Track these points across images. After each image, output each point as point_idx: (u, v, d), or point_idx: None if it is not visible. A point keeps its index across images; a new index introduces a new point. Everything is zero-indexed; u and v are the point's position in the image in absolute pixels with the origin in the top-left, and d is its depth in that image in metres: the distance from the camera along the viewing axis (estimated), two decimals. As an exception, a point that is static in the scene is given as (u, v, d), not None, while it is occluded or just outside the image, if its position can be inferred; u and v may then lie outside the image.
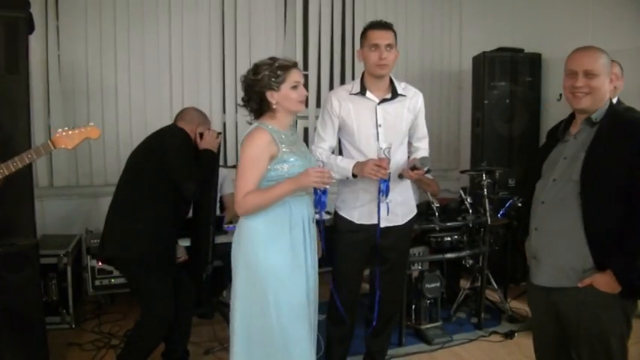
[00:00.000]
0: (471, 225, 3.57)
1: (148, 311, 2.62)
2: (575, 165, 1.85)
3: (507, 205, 3.79)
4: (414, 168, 2.38)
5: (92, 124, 2.31)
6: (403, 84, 2.59)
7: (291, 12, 4.55)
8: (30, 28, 2.64)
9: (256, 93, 2.13)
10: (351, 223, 2.55)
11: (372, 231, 2.49)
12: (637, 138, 1.79)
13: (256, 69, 2.13)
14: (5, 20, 2.50)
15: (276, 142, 2.08)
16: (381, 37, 2.41)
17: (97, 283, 3.65)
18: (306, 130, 4.66)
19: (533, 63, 4.48)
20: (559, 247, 1.89)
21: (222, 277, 3.62)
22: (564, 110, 2.27)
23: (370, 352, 2.84)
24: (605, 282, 1.79)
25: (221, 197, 3.82)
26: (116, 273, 3.56)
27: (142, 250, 2.56)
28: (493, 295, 3.84)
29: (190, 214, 3.19)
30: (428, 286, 3.38)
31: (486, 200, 3.54)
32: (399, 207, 2.57)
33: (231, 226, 3.49)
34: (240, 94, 2.23)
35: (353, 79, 4.59)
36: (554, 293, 1.93)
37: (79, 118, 3.90)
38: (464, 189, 3.87)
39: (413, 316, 3.46)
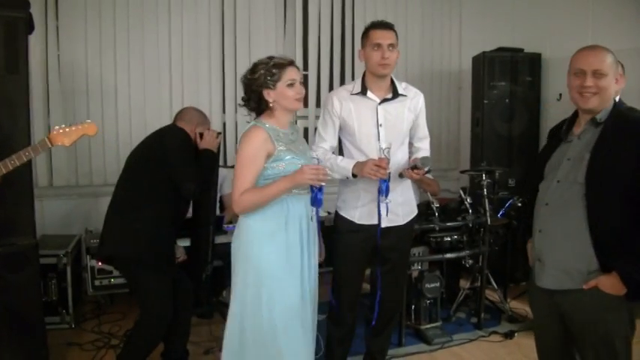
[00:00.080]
0: (470, 225, 3.57)
1: (147, 311, 2.62)
2: (580, 166, 1.83)
3: (507, 205, 3.79)
4: (414, 168, 2.38)
5: (89, 120, 2.31)
6: (404, 84, 2.59)
7: (291, 12, 4.55)
8: (30, 28, 2.63)
9: (254, 92, 2.15)
10: (351, 223, 2.55)
11: (373, 231, 2.49)
12: None
13: (254, 68, 2.15)
14: (5, 20, 2.50)
15: (272, 140, 2.09)
16: (383, 37, 2.42)
17: (97, 283, 3.64)
18: (306, 130, 4.66)
19: (533, 63, 4.48)
20: (564, 249, 1.87)
21: (222, 277, 3.62)
22: (564, 110, 2.27)
23: (370, 352, 2.84)
24: (611, 284, 1.78)
25: (221, 197, 3.82)
26: (116, 273, 3.56)
27: (141, 250, 2.56)
28: (493, 295, 3.84)
29: (190, 214, 3.19)
30: (428, 286, 3.37)
31: (486, 200, 3.54)
32: (400, 207, 2.57)
33: (230, 226, 3.49)
34: (240, 93, 2.25)
35: (353, 79, 4.58)
36: (557, 295, 1.92)
37: (79, 118, 3.87)
38: (464, 189, 3.87)
39: (413, 316, 3.46)
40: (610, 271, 1.78)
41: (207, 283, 3.46)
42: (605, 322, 1.83)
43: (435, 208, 3.50)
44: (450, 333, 3.42)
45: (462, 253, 3.54)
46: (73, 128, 2.25)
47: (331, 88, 4.60)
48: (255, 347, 2.12)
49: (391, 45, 2.42)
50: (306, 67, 4.58)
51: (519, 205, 3.75)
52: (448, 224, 3.52)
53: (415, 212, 2.70)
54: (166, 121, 2.97)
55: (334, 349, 2.72)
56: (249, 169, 2.07)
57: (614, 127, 1.83)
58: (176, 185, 2.57)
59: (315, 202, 2.13)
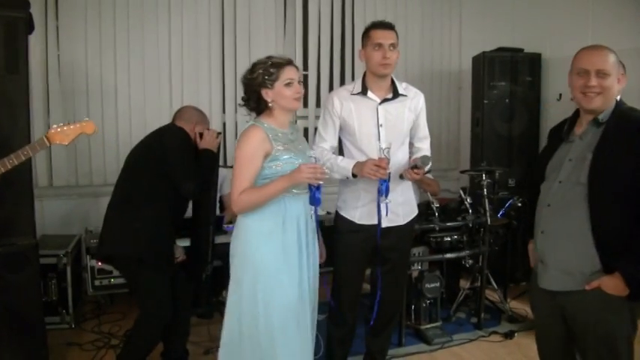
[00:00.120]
0: (470, 225, 3.57)
1: (146, 310, 2.62)
2: (582, 167, 1.82)
3: (507, 205, 3.79)
4: (414, 167, 2.38)
5: (87, 119, 2.31)
6: (404, 84, 2.59)
7: (291, 12, 4.55)
8: (30, 28, 2.63)
9: (253, 92, 2.15)
10: (351, 223, 2.55)
11: (373, 231, 2.49)
12: None
13: (252, 68, 2.16)
14: (5, 20, 2.50)
15: (270, 139, 2.10)
16: (384, 37, 2.42)
17: (97, 283, 3.64)
18: (305, 130, 4.66)
19: (533, 63, 4.48)
20: (566, 250, 1.87)
21: (222, 277, 3.61)
22: (564, 110, 2.27)
23: (370, 352, 2.84)
24: (613, 285, 1.77)
25: (221, 197, 3.82)
26: (116, 273, 3.56)
27: (141, 249, 2.56)
28: (493, 295, 3.83)
29: (190, 213, 3.19)
30: (428, 286, 3.38)
31: (486, 200, 3.54)
32: (401, 207, 2.57)
33: (230, 225, 3.49)
34: (240, 93, 2.25)
35: (353, 79, 4.59)
36: (560, 296, 1.91)
37: (79, 118, 3.82)
38: (464, 189, 3.87)
39: (413, 316, 3.46)
40: (612, 272, 1.78)
41: (207, 283, 3.45)
42: (607, 323, 1.82)
43: (435, 208, 3.50)
44: (450, 333, 3.42)
45: (462, 253, 3.54)
46: (71, 127, 2.25)
47: (331, 88, 4.60)
48: (252, 346, 2.13)
49: (392, 45, 2.43)
50: (306, 67, 4.58)
51: (519, 205, 3.75)
52: (448, 224, 3.52)
53: (415, 212, 2.70)
54: (166, 121, 2.96)
55: (334, 349, 2.73)
56: (248, 169, 2.08)
57: (617, 127, 1.82)
58: (175, 185, 2.57)
59: (314, 200, 2.13)
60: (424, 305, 3.44)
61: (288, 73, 2.12)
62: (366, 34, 2.49)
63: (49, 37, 3.87)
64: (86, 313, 3.75)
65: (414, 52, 4.91)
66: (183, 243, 3.15)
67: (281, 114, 2.17)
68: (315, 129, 2.73)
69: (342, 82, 4.66)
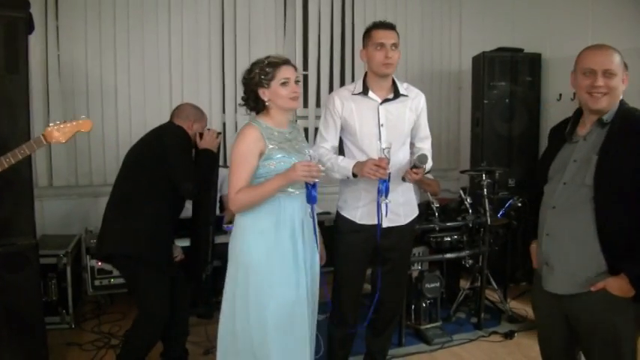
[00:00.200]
0: (470, 225, 3.57)
1: (145, 310, 2.62)
2: (587, 168, 1.81)
3: (507, 205, 3.79)
4: (414, 167, 2.38)
5: (84, 117, 2.31)
6: (405, 84, 2.59)
7: (291, 12, 4.55)
8: (30, 28, 2.63)
9: (251, 91, 2.17)
10: (352, 223, 2.55)
11: (374, 231, 2.48)
12: None
13: (250, 67, 2.17)
14: (5, 20, 2.50)
15: (264, 138, 2.10)
16: (386, 37, 2.42)
17: (97, 283, 3.64)
18: (305, 130, 4.65)
19: (533, 63, 4.48)
20: (572, 253, 1.85)
21: (222, 277, 3.60)
22: (564, 110, 2.28)
23: (371, 352, 2.84)
24: (619, 286, 1.76)
25: (221, 197, 3.82)
26: (116, 273, 3.56)
27: (140, 249, 2.56)
28: (493, 295, 3.83)
29: (190, 213, 3.19)
30: (428, 286, 3.38)
31: (486, 200, 3.54)
32: (402, 207, 2.57)
33: (230, 225, 3.48)
34: (240, 93, 2.26)
35: (353, 79, 4.59)
36: (565, 299, 1.90)
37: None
38: (464, 189, 3.87)
39: (413, 316, 3.46)
40: (618, 273, 1.76)
41: (207, 283, 3.45)
42: (612, 324, 1.81)
43: (435, 208, 3.50)
44: (450, 333, 3.42)
45: (462, 253, 3.54)
46: (68, 125, 2.25)
47: (331, 88, 4.61)
48: (245, 346, 2.14)
49: (394, 45, 2.43)
50: (306, 67, 4.58)
51: (519, 205, 3.75)
52: (448, 224, 3.52)
53: (416, 212, 2.70)
54: (166, 120, 2.96)
55: (335, 349, 2.72)
56: (244, 168, 2.09)
57: (621, 127, 1.80)
58: (174, 184, 2.57)
59: (310, 199, 2.12)
60: (424, 305, 3.44)
61: (285, 73, 2.12)
62: (367, 34, 2.49)
63: (49, 37, 3.88)
64: (86, 313, 3.75)
65: (414, 52, 4.92)
66: (183, 243, 3.15)
67: (278, 113, 2.18)
68: (315, 129, 2.74)
69: (342, 82, 4.66)
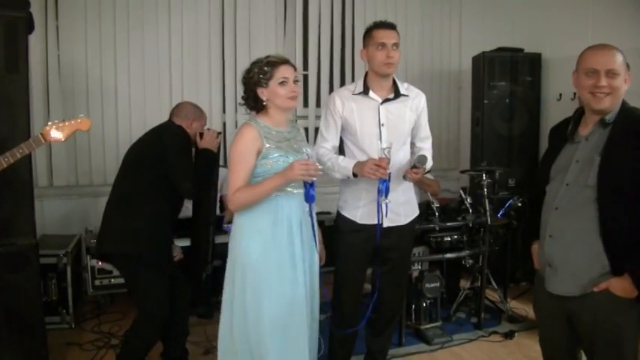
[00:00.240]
0: (470, 225, 3.57)
1: (144, 310, 2.62)
2: (590, 169, 1.79)
3: (507, 205, 3.79)
4: (414, 167, 2.38)
5: (82, 115, 2.31)
6: (405, 84, 2.59)
7: (291, 12, 4.55)
8: (30, 27, 2.63)
9: (250, 90, 2.18)
10: (353, 223, 2.55)
11: (374, 231, 2.48)
12: None
13: (250, 67, 2.18)
14: (5, 20, 2.50)
15: (261, 137, 2.11)
16: (387, 37, 2.43)
17: (97, 282, 3.64)
18: (305, 130, 4.65)
19: (533, 63, 4.48)
20: (576, 255, 1.84)
21: (222, 277, 3.61)
22: (564, 110, 2.28)
23: (371, 351, 2.84)
24: (622, 287, 1.75)
25: (221, 197, 3.82)
26: (116, 273, 3.56)
27: (140, 248, 2.57)
28: (493, 295, 3.83)
29: (190, 213, 3.19)
30: (428, 286, 3.38)
31: (486, 200, 3.54)
32: (402, 207, 2.57)
33: (230, 225, 3.48)
34: (240, 93, 2.26)
35: (353, 79, 4.59)
36: (568, 300, 1.89)
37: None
38: (464, 189, 3.87)
39: (413, 316, 3.46)
40: (621, 274, 1.76)
41: (208, 283, 3.46)
42: (614, 325, 1.80)
43: (435, 208, 3.50)
44: (450, 333, 3.42)
45: (462, 253, 3.54)
46: (67, 123, 2.25)
47: (331, 88, 4.61)
48: (242, 345, 2.14)
49: (395, 44, 2.44)
50: (306, 67, 4.58)
51: (519, 205, 3.75)
52: (448, 224, 3.52)
53: (417, 212, 2.70)
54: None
55: (336, 349, 2.72)
56: (241, 167, 2.10)
57: (624, 127, 1.79)
58: (174, 184, 2.57)
59: (308, 198, 2.12)
60: (424, 305, 3.44)
61: (283, 72, 2.13)
62: (368, 33, 2.49)
63: (49, 36, 3.87)
64: (86, 312, 3.75)
65: (414, 52, 4.91)
66: (184, 243, 3.15)
67: (276, 113, 2.18)
68: (315, 129, 2.74)
69: (342, 82, 4.66)
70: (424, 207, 3.53)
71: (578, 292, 1.84)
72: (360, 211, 2.54)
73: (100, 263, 3.56)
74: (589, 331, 1.87)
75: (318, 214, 2.57)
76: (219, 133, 2.90)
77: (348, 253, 2.57)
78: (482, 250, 3.54)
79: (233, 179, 2.09)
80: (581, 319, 1.88)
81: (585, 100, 1.86)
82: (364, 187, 2.50)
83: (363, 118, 2.50)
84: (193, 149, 2.78)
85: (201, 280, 3.37)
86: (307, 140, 2.51)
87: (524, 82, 4.46)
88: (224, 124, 4.38)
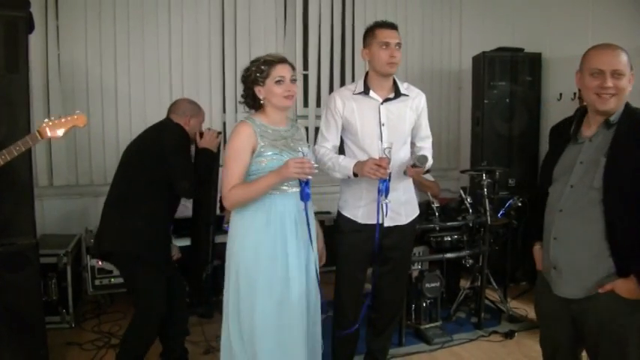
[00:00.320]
0: (471, 225, 3.56)
1: (142, 308, 2.62)
2: (595, 171, 1.78)
3: (507, 204, 3.79)
4: (414, 166, 2.38)
5: (78, 111, 2.31)
6: (406, 84, 2.59)
7: (291, 12, 4.55)
8: (30, 27, 2.63)
9: (248, 89, 2.19)
10: (354, 222, 2.54)
11: (375, 231, 2.48)
12: None
13: (248, 65, 2.20)
14: (5, 19, 2.50)
15: (256, 135, 2.11)
16: (391, 36, 2.43)
17: (97, 282, 3.65)
18: (305, 129, 4.65)
19: (533, 62, 4.48)
20: (582, 257, 1.83)
21: (222, 276, 3.61)
22: (564, 110, 2.27)
23: (371, 351, 2.84)
24: (627, 288, 1.74)
25: (221, 197, 3.82)
26: (116, 273, 3.56)
27: (139, 247, 2.56)
28: (493, 294, 3.83)
29: (190, 213, 3.19)
30: (428, 285, 3.37)
31: (486, 200, 3.54)
32: (403, 207, 2.57)
33: (230, 225, 3.49)
34: (240, 93, 2.27)
35: (353, 79, 4.59)
36: (573, 302, 1.87)
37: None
38: (464, 189, 3.87)
39: (413, 316, 3.46)
40: (627, 275, 1.74)
41: (208, 283, 3.46)
42: (619, 326, 1.79)
43: (435, 208, 3.50)
44: (450, 333, 3.41)
45: (462, 253, 3.54)
46: (63, 120, 2.25)
47: (331, 88, 4.61)
48: (238, 346, 2.15)
49: (398, 44, 2.44)
50: (306, 67, 4.58)
51: (519, 204, 3.75)
52: (448, 224, 3.51)
53: (417, 212, 2.70)
54: (166, 120, 2.97)
55: (338, 349, 2.72)
56: (236, 164, 2.10)
57: (629, 128, 1.78)
58: (172, 183, 2.57)
59: (303, 196, 2.12)
60: (424, 305, 3.44)
61: (280, 71, 2.13)
62: (370, 33, 2.48)
63: (50, 36, 3.88)
64: (86, 312, 3.75)
65: (414, 52, 4.92)
66: (184, 243, 3.15)
67: (273, 111, 2.19)
68: (316, 128, 2.74)
69: (342, 82, 4.66)
70: (424, 207, 3.53)
71: (584, 295, 1.83)
72: (360, 210, 2.54)
73: (100, 263, 3.57)
74: (593, 332, 1.85)
75: (318, 213, 2.57)
76: (220, 132, 2.90)
77: (349, 254, 2.57)
78: (482, 249, 3.54)
79: (228, 176, 2.10)
80: (586, 321, 1.86)
81: (590, 101, 1.84)
82: (365, 186, 2.49)
83: (363, 118, 2.50)
84: (193, 148, 2.78)
85: (201, 280, 3.37)
86: (307, 140, 2.50)
87: (524, 81, 4.46)
88: (224, 124, 4.38)
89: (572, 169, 1.86)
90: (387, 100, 2.50)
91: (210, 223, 3.32)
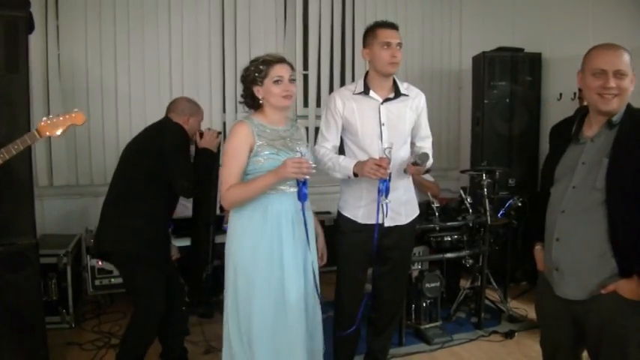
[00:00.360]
0: (471, 225, 3.57)
1: (141, 307, 2.62)
2: (598, 171, 1.77)
3: (507, 204, 3.79)
4: (415, 164, 2.38)
5: (76, 109, 2.31)
6: (405, 84, 2.59)
7: (291, 12, 4.55)
8: (30, 27, 2.63)
9: (247, 88, 2.19)
10: (354, 223, 2.54)
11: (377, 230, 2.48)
12: None
13: (247, 65, 2.20)
14: (5, 19, 2.50)
15: (253, 135, 2.11)
16: (392, 36, 2.43)
17: (97, 282, 3.64)
18: (305, 129, 4.65)
19: (533, 62, 4.48)
20: (585, 259, 1.82)
21: (222, 276, 3.62)
22: (564, 110, 2.27)
23: (372, 351, 2.84)
24: (630, 288, 1.73)
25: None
26: (116, 273, 3.56)
27: (139, 247, 2.56)
28: (493, 294, 3.83)
29: (190, 213, 3.20)
30: (428, 285, 3.37)
31: (486, 200, 3.54)
32: (403, 206, 2.57)
33: (231, 225, 3.49)
34: (240, 93, 2.27)
35: (353, 79, 4.59)
36: (575, 302, 1.87)
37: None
38: (464, 189, 3.87)
39: (413, 316, 3.46)
40: (630, 276, 1.74)
41: (208, 283, 3.46)
42: (620, 326, 1.78)
43: (435, 208, 3.50)
44: (450, 333, 3.41)
45: (462, 253, 3.54)
46: (61, 118, 2.25)
47: (331, 88, 4.61)
48: (237, 346, 2.15)
49: (399, 44, 2.44)
50: (306, 67, 4.59)
51: (519, 204, 3.75)
52: (448, 224, 3.51)
53: (417, 212, 2.70)
54: (166, 120, 2.97)
55: (339, 349, 2.72)
56: (234, 163, 2.11)
57: (631, 128, 1.77)
58: (171, 182, 2.57)
59: (300, 196, 2.12)
60: (424, 305, 3.44)
61: (278, 71, 2.13)
62: (371, 32, 2.48)
63: (50, 36, 3.88)
64: (86, 312, 3.75)
65: (414, 52, 4.92)
66: (184, 243, 3.15)
67: (272, 111, 2.19)
68: (316, 128, 2.74)
69: (342, 82, 4.66)
70: (424, 207, 3.52)
71: (586, 296, 1.82)
72: (361, 210, 2.53)
73: (100, 263, 3.57)
74: (595, 332, 1.85)
75: (318, 213, 2.57)
76: (220, 132, 2.90)
77: (350, 254, 2.57)
78: (482, 249, 3.54)
79: (226, 176, 2.11)
80: (588, 321, 1.85)
81: (592, 101, 1.83)
82: (365, 186, 2.49)
83: (363, 118, 2.50)
84: (193, 148, 2.78)
85: (202, 280, 3.37)
86: (307, 140, 2.50)
87: (524, 81, 4.46)
88: (224, 124, 4.38)
89: (574, 169, 1.85)
90: (387, 99, 2.50)
91: (210, 223, 3.32)
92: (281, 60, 2.17)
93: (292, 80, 2.17)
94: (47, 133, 2.22)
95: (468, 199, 3.68)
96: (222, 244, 3.22)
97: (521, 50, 4.49)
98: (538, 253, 2.05)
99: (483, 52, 4.42)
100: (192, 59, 4.23)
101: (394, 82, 2.54)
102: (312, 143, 2.69)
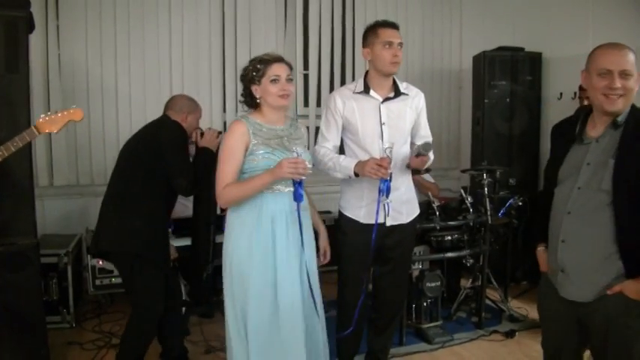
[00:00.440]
0: (471, 224, 3.56)
1: (139, 306, 2.62)
2: (603, 172, 1.75)
3: (508, 204, 3.79)
4: (418, 155, 2.37)
5: (74, 106, 2.31)
6: (405, 84, 2.59)
7: (291, 12, 4.55)
8: (30, 27, 2.63)
9: (246, 88, 2.20)
10: (356, 223, 2.54)
11: (379, 230, 2.47)
12: None
13: (247, 64, 2.21)
14: (5, 19, 2.50)
15: (249, 133, 2.11)
16: (394, 36, 2.43)
17: (98, 282, 3.64)
18: (306, 129, 4.65)
19: (534, 62, 4.48)
20: (591, 260, 1.81)
21: (222, 276, 3.62)
22: (565, 109, 2.27)
23: (373, 350, 2.84)
24: (636, 290, 1.72)
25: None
26: (116, 272, 3.55)
27: (138, 246, 2.56)
28: (494, 294, 3.83)
29: (191, 213, 3.19)
30: (428, 285, 3.37)
31: (487, 199, 3.54)
32: (404, 206, 2.57)
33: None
34: (240, 92, 2.28)
35: (353, 78, 4.59)
36: (581, 304, 1.85)
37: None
38: (464, 188, 3.87)
39: (413, 316, 3.46)
40: (636, 277, 1.73)
41: (208, 283, 3.46)
42: (626, 327, 1.77)
43: (435, 207, 3.50)
44: (450, 332, 3.41)
45: (463, 253, 3.54)
46: (59, 115, 2.25)
47: (331, 88, 4.61)
48: (238, 346, 2.15)
49: (400, 44, 2.44)
50: (306, 67, 4.59)
51: (520, 204, 3.75)
52: (449, 223, 3.51)
53: (417, 211, 2.70)
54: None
55: (341, 349, 2.72)
56: (230, 162, 2.11)
57: (635, 129, 1.76)
58: (169, 181, 2.57)
59: (296, 196, 2.11)
60: (425, 304, 3.44)
61: (275, 70, 2.13)
62: (373, 32, 2.47)
63: (50, 36, 3.88)
64: (87, 312, 3.75)
65: (414, 52, 4.92)
66: (184, 242, 3.15)
67: (269, 110, 2.19)
68: (316, 128, 2.74)
69: (343, 82, 4.66)
70: (425, 206, 3.53)
71: (592, 297, 1.81)
72: (362, 210, 2.53)
73: (100, 263, 3.56)
74: (600, 332, 1.83)
75: (318, 213, 2.56)
76: (220, 132, 2.90)
77: (353, 254, 2.56)
78: (482, 249, 3.54)
79: (222, 174, 2.11)
80: (593, 321, 1.84)
81: (597, 102, 1.81)
82: (366, 186, 2.49)
83: (364, 117, 2.50)
84: (193, 147, 2.78)
85: (202, 280, 3.37)
86: (307, 140, 2.50)
87: (524, 81, 4.46)
88: (224, 124, 4.37)
89: (579, 170, 1.83)
90: (387, 99, 2.50)
91: (211, 223, 3.31)
92: (278, 59, 2.17)
93: (289, 80, 2.16)
94: (46, 130, 2.22)
95: (469, 199, 3.68)
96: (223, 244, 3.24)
97: (521, 50, 4.49)
98: (541, 255, 2.03)
99: (483, 52, 4.42)
100: (192, 59, 4.23)
101: (394, 82, 2.54)
102: (312, 143, 2.68)
